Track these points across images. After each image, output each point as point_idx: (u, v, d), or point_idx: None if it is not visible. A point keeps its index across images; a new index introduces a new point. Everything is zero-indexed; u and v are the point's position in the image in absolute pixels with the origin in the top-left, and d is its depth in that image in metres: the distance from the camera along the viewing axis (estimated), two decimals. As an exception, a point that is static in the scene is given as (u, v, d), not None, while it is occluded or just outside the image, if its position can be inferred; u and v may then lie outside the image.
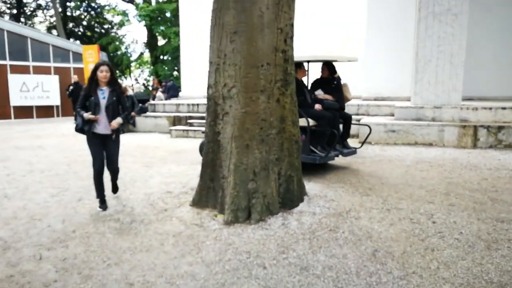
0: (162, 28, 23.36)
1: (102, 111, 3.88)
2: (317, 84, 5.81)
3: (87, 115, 3.80)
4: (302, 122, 4.74)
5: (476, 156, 6.28)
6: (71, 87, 13.04)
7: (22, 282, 2.64)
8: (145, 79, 29.25)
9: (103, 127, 3.90)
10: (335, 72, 5.75)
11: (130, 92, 10.51)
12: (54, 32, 25.59)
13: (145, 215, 3.89)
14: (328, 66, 5.77)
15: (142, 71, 28.99)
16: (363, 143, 6.09)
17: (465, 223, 3.43)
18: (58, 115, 15.85)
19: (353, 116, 9.07)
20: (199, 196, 4.06)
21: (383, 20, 10.29)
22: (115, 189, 4.46)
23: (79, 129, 3.94)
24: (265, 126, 3.75)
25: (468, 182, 4.76)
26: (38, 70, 15.62)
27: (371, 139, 7.48)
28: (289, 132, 3.93)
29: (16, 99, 15.02)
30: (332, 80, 5.75)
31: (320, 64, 5.92)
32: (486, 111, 7.43)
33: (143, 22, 23.37)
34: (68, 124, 12.62)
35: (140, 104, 11.19)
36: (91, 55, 11.06)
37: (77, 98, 13.42)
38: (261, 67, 3.72)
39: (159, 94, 15.03)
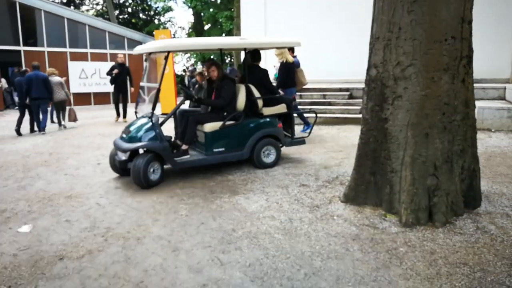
0: (211, 12, 22.87)
1: None
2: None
3: None
4: (282, 108, 5.10)
5: None
6: (115, 70, 9.69)
7: (224, 294, 2.28)
8: (187, 66, 29.06)
9: None
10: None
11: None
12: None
13: (298, 212, 3.46)
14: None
15: (189, 58, 28.71)
16: (310, 131, 5.81)
17: None
18: (114, 102, 15.92)
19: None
20: (354, 192, 3.57)
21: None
22: None
23: None
24: (448, 111, 3.17)
25: None
26: (95, 57, 15.69)
27: (490, 125, 6.68)
28: (473, 119, 3.34)
29: (75, 86, 15.18)
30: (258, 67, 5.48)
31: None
32: None
33: (187, 8, 22.94)
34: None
35: None
36: (163, 40, 10.70)
37: (123, 85, 10.25)
38: (444, 41, 3.12)
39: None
